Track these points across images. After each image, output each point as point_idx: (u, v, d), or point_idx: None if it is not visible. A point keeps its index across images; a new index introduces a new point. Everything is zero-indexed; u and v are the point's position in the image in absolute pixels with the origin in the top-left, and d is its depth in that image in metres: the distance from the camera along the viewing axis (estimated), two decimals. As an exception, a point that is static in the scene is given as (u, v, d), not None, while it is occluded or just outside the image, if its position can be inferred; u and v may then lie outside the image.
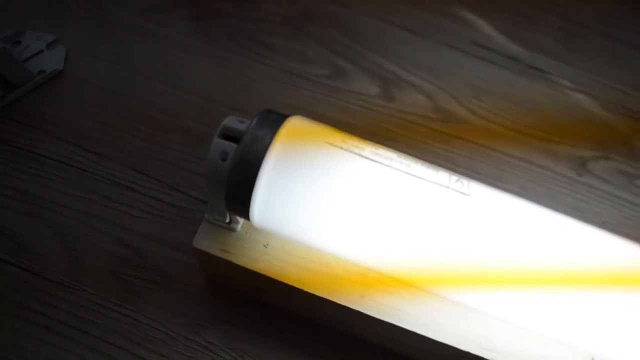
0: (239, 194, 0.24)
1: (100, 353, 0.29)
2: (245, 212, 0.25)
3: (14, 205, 0.33)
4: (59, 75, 0.37)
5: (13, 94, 0.35)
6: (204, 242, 0.27)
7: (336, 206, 0.24)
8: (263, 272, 0.27)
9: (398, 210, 0.24)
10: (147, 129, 0.36)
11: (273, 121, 0.25)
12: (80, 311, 0.30)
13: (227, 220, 0.28)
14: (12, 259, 0.31)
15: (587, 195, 0.37)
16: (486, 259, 0.23)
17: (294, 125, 0.25)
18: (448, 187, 0.24)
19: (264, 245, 0.28)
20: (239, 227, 0.28)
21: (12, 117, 0.35)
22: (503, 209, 0.24)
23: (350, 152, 0.24)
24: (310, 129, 0.25)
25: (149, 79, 0.38)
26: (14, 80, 0.35)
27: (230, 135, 0.25)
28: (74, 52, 0.38)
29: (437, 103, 0.40)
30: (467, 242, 0.23)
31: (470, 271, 0.24)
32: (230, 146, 0.25)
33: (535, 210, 0.25)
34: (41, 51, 0.37)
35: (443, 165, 0.32)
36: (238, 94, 0.39)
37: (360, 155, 0.24)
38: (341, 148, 0.24)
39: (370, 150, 0.24)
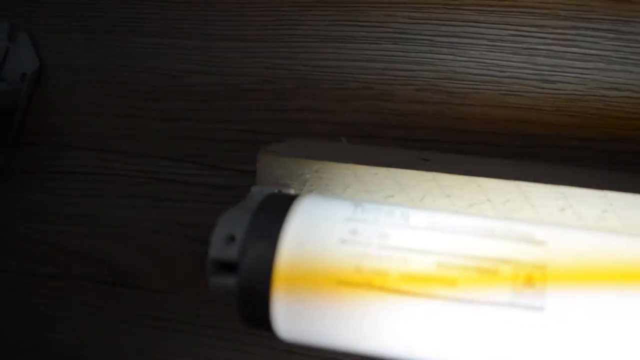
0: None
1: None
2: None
3: (80, 230, 0.32)
4: (40, 71, 0.31)
5: (14, 121, 0.31)
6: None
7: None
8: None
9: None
10: (155, 103, 0.30)
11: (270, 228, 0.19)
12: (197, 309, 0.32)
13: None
14: (114, 280, 0.33)
15: None
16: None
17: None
18: (513, 305, 0.17)
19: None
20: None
21: (23, 142, 0.32)
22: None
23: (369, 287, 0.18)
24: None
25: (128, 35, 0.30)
26: (5, 105, 0.30)
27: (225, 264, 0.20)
28: (36, 35, 0.31)
29: None
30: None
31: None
32: (230, 281, 0.20)
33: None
34: (7, 49, 0.30)
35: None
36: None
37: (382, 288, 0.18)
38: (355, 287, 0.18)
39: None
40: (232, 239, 0.19)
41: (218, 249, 0.19)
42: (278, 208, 0.19)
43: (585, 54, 0.26)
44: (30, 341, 0.32)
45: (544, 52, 0.26)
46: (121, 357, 0.32)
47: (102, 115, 0.31)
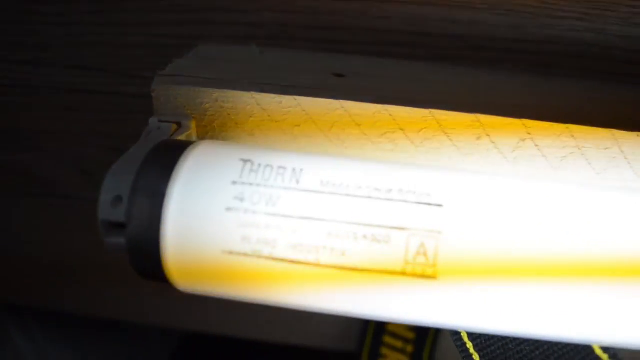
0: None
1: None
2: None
3: None
4: None
5: None
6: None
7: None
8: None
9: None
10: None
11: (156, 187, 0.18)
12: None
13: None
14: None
15: None
16: None
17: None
18: (404, 273, 0.17)
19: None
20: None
21: None
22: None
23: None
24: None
25: None
26: None
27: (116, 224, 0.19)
28: None
29: None
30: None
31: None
32: (122, 240, 0.19)
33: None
34: None
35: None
36: None
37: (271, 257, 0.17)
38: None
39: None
40: (119, 199, 0.18)
41: (105, 211, 0.18)
42: (164, 164, 0.18)
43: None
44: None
45: None
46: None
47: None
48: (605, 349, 0.21)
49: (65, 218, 0.32)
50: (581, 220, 0.16)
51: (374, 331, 0.32)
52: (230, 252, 0.17)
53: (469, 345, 0.22)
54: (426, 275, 0.16)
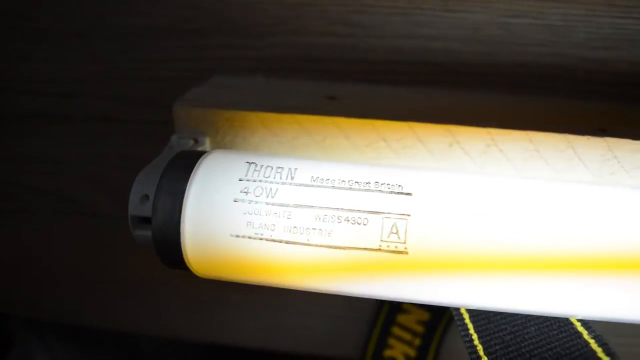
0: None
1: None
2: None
3: (35, 169, 0.35)
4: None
5: None
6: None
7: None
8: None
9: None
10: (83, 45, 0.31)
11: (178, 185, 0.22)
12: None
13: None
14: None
15: None
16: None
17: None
18: (380, 249, 0.20)
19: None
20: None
21: None
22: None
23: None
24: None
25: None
26: None
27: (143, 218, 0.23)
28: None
29: None
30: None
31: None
32: (148, 232, 0.23)
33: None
34: None
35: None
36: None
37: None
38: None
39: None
40: (146, 197, 0.22)
41: (134, 207, 0.22)
42: (183, 168, 0.22)
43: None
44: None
45: (449, -21, 0.27)
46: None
47: (31, 61, 0.32)
48: (595, 336, 0.23)
49: (91, 235, 0.36)
50: (521, 207, 0.19)
51: (383, 322, 0.34)
52: (237, 236, 0.20)
53: (470, 326, 0.24)
54: (398, 251, 0.19)
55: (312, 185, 0.20)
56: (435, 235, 0.19)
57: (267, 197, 0.20)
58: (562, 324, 0.24)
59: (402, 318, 0.34)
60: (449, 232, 0.19)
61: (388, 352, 0.34)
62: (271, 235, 0.20)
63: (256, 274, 0.21)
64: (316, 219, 0.20)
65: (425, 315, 0.34)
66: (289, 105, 0.24)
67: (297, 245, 0.20)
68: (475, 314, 0.24)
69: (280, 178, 0.21)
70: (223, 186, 0.21)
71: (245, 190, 0.20)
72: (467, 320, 0.24)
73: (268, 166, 0.21)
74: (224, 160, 0.22)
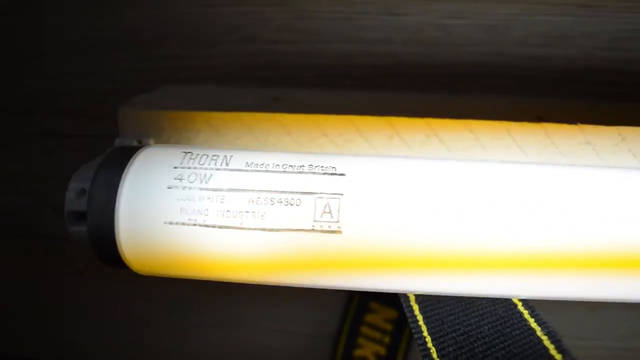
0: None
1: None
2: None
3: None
4: None
5: None
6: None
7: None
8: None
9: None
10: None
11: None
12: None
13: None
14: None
15: None
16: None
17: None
18: (313, 229, 0.20)
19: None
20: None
21: None
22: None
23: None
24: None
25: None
26: None
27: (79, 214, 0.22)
28: None
29: None
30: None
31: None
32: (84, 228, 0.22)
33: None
34: None
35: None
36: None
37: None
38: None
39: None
40: (83, 191, 0.22)
41: (71, 202, 0.22)
42: (118, 161, 0.21)
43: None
44: None
45: (389, -15, 0.27)
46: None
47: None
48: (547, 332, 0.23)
49: (47, 259, 0.35)
50: (450, 187, 0.20)
51: (351, 322, 0.33)
52: (170, 222, 0.20)
53: (423, 328, 0.24)
54: (332, 230, 0.19)
55: (247, 170, 0.20)
56: (368, 214, 0.19)
57: (201, 182, 0.20)
58: (515, 321, 0.23)
59: (370, 317, 0.34)
60: (383, 210, 0.19)
61: (358, 352, 0.34)
62: (204, 221, 0.20)
63: (191, 263, 0.20)
64: (249, 202, 0.20)
65: (393, 314, 0.34)
66: (232, 105, 0.24)
67: (231, 230, 0.20)
68: (429, 315, 0.24)
69: (215, 164, 0.21)
70: (158, 175, 0.20)
71: (180, 177, 0.20)
72: (421, 323, 0.24)
73: (204, 155, 0.21)
74: (160, 151, 0.22)
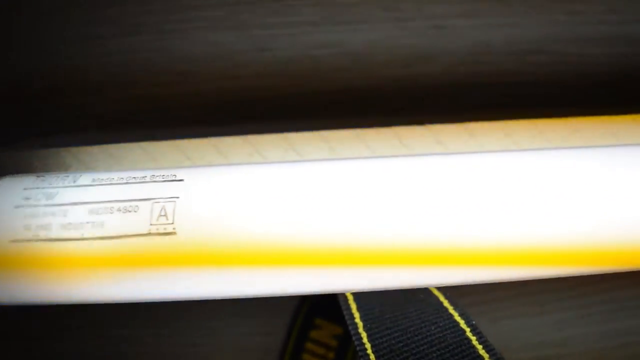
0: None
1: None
2: None
3: None
4: None
5: None
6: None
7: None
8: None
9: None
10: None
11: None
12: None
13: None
14: None
15: None
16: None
17: None
18: (150, 233, 0.20)
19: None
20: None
21: None
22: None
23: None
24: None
25: None
26: None
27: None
28: None
29: None
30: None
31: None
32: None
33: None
34: None
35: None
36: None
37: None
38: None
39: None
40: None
41: None
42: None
43: (292, 21, 0.29)
44: None
45: (258, 24, 0.29)
46: None
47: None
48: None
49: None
50: (288, 191, 0.20)
51: (295, 339, 0.33)
52: (15, 241, 0.20)
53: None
54: (167, 232, 0.20)
55: (92, 185, 0.21)
56: (202, 215, 0.20)
57: (47, 199, 0.21)
58: (450, 327, 0.23)
59: (315, 334, 0.33)
60: (215, 211, 0.20)
61: (302, 368, 0.33)
62: (47, 235, 0.20)
63: (38, 281, 0.21)
64: (90, 213, 0.20)
65: (338, 330, 0.33)
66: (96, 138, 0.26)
67: (72, 242, 0.20)
68: (369, 327, 0.24)
69: (63, 183, 0.21)
70: (8, 197, 0.21)
71: (28, 197, 0.21)
72: (361, 329, 0.24)
73: (55, 176, 0.22)
74: (16, 178, 0.22)
